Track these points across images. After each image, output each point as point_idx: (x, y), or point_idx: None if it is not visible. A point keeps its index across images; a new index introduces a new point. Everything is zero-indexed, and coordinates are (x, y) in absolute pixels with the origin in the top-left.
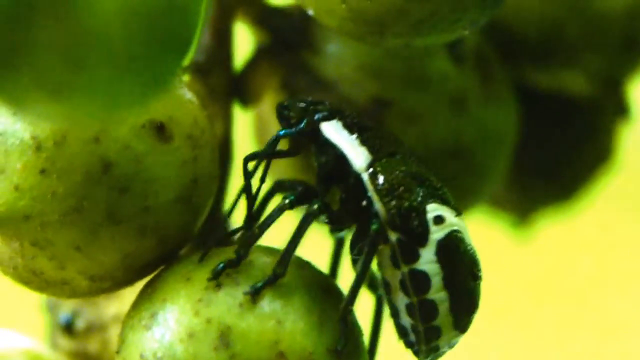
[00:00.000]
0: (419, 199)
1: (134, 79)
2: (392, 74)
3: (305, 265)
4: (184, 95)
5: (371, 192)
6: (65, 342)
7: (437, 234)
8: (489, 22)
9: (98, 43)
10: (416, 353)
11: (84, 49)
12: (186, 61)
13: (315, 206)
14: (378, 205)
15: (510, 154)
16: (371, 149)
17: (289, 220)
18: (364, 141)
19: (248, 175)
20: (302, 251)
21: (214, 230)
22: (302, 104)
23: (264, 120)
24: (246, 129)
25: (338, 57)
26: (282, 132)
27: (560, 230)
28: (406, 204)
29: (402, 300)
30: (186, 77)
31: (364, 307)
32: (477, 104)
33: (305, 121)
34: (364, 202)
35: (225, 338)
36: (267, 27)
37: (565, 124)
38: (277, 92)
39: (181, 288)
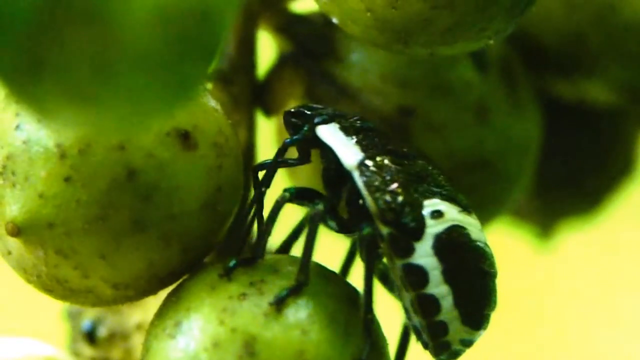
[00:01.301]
0: (415, 194)
1: (161, 87)
2: (416, 82)
3: (330, 275)
4: (209, 103)
5: (361, 188)
6: (87, 350)
7: (434, 228)
8: (513, 31)
9: (127, 51)
10: (432, 352)
11: (113, 56)
12: (211, 69)
13: (320, 206)
14: (368, 200)
15: (534, 164)
16: (364, 148)
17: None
18: (358, 141)
19: (258, 184)
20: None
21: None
22: (306, 111)
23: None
24: (269, 138)
25: (362, 66)
26: (287, 141)
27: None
28: (399, 198)
29: (406, 298)
30: (210, 85)
31: (390, 316)
32: (501, 113)
33: (306, 127)
34: (361, 201)
35: (250, 348)
36: (290, 35)
37: (588, 133)
38: (300, 100)
39: (206, 297)
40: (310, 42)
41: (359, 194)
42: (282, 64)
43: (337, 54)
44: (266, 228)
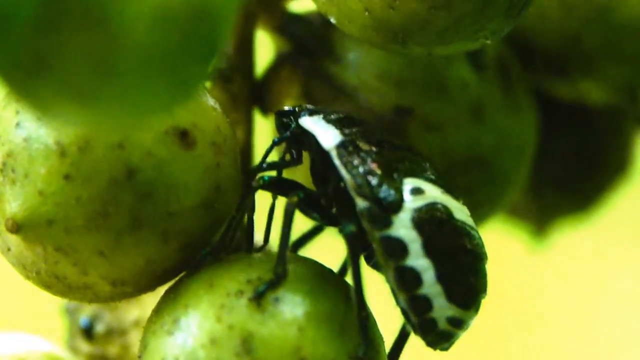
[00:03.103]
0: (395, 173)
1: (162, 86)
2: (413, 82)
3: (327, 273)
4: (207, 102)
5: (339, 166)
6: (84, 346)
7: (413, 203)
8: (509, 31)
9: (128, 50)
10: (419, 332)
11: (114, 55)
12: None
13: (295, 198)
14: (346, 178)
15: (530, 163)
16: (344, 133)
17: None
18: (339, 128)
19: (251, 188)
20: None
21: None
22: (293, 108)
23: None
24: (266, 136)
25: (359, 65)
26: (276, 139)
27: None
28: (377, 173)
29: (390, 275)
30: (208, 84)
31: (388, 315)
32: (498, 113)
33: (294, 124)
34: (342, 184)
35: (247, 344)
36: (288, 34)
37: (584, 133)
38: (298, 99)
39: (203, 294)
40: (308, 41)
41: (340, 178)
42: (279, 63)
43: (334, 54)
44: (283, 240)
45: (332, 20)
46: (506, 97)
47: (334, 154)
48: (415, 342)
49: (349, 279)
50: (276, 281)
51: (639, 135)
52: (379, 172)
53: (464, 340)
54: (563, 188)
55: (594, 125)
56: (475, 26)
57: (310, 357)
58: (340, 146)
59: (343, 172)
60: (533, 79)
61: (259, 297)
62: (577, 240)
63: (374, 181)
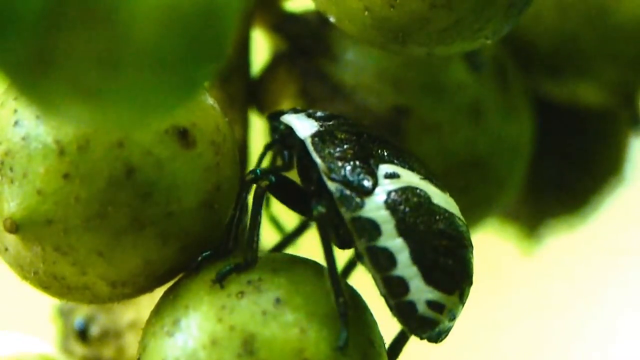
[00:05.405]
0: (371, 159)
1: (168, 85)
2: (411, 82)
3: None
4: (207, 101)
5: (311, 152)
6: (79, 348)
7: (387, 186)
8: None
9: (134, 48)
10: (398, 317)
11: (120, 54)
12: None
13: (265, 182)
14: (318, 162)
15: (526, 165)
16: (322, 125)
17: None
18: (318, 121)
19: (245, 185)
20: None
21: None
22: (282, 110)
23: None
24: (262, 136)
25: (356, 65)
26: (267, 144)
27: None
28: (349, 157)
29: (365, 260)
30: (207, 84)
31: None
32: (495, 114)
33: (282, 125)
34: (318, 173)
35: (249, 345)
36: (284, 33)
37: (577, 135)
38: (294, 99)
39: (204, 295)
40: (305, 41)
41: (318, 170)
42: (276, 62)
43: (331, 53)
44: (253, 224)
45: (332, 19)
46: (503, 98)
47: (308, 142)
48: (416, 344)
49: (348, 279)
50: (244, 266)
51: (632, 138)
52: (352, 156)
53: (462, 340)
54: (556, 190)
55: (588, 128)
56: (476, 26)
57: (313, 358)
58: (316, 135)
59: (315, 157)
60: (528, 80)
61: (222, 279)
62: (571, 242)
63: (346, 165)
